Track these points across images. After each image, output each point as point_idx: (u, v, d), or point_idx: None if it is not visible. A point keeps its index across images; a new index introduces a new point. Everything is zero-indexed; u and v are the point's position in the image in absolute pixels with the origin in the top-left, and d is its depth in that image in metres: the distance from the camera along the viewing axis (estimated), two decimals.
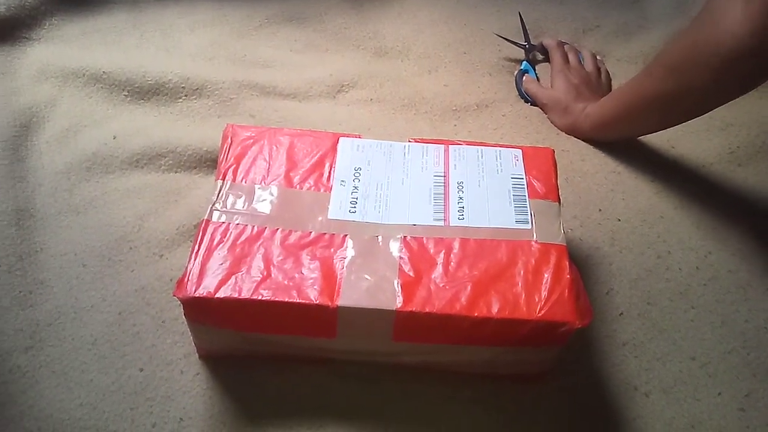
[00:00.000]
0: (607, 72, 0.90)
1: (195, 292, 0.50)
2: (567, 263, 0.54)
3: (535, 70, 0.90)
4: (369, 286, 0.52)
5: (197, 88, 0.82)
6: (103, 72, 0.82)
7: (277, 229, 0.55)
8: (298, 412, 0.57)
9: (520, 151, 0.63)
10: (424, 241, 0.55)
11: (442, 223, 0.57)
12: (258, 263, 0.53)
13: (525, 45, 0.92)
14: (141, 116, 0.80)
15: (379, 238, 0.55)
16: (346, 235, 0.55)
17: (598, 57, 0.91)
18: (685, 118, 0.71)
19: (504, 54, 0.92)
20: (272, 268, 0.52)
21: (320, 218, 0.56)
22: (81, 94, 0.81)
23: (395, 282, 0.52)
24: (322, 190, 0.58)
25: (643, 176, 0.76)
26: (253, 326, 0.54)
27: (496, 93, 0.86)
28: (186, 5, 0.96)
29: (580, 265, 0.63)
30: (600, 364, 0.61)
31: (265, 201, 0.57)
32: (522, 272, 0.53)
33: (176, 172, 0.74)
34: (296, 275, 0.52)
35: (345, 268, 0.53)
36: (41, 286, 0.64)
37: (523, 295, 0.52)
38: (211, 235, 0.54)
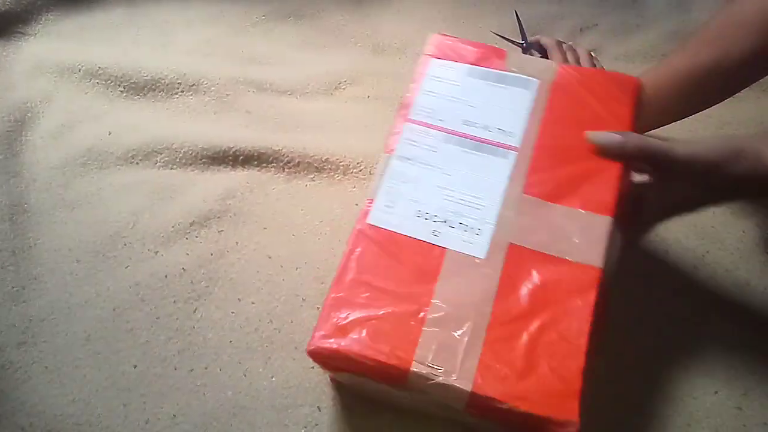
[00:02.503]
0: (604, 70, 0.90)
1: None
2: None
3: None
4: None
5: (193, 84, 0.82)
6: (99, 68, 0.82)
7: None
8: (294, 403, 0.56)
9: None
10: None
11: None
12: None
13: (522, 44, 0.92)
14: (137, 112, 0.79)
15: None
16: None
17: (593, 54, 0.91)
18: (714, 95, 0.71)
19: None
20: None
21: None
22: (76, 90, 0.81)
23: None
24: None
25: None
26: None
27: None
28: (182, 1, 0.95)
29: None
30: None
31: None
32: None
33: (172, 168, 0.74)
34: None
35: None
36: (35, 281, 0.63)
37: None
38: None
